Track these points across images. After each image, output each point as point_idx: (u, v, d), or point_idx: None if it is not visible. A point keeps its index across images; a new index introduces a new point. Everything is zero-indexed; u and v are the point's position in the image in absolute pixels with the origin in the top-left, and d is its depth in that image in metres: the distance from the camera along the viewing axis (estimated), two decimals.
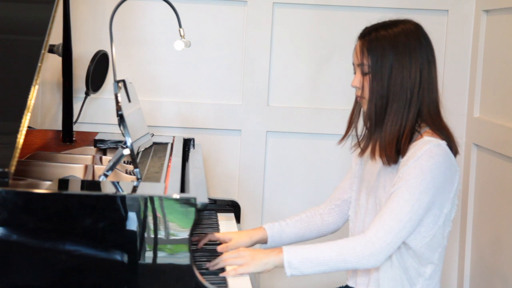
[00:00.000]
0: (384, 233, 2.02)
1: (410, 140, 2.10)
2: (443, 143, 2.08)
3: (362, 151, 2.20)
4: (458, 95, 3.21)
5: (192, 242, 1.95)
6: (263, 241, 2.29)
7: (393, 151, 2.10)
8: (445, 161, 2.07)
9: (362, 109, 2.21)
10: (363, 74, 2.13)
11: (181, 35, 2.45)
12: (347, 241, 2.05)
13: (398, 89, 2.09)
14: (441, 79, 3.20)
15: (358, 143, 2.22)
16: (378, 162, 2.18)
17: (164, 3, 2.39)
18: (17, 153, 1.85)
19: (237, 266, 2.00)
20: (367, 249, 2.02)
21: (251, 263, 2.01)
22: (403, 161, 2.08)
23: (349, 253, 2.02)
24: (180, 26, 2.45)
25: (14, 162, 1.83)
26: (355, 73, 2.18)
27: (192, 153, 2.76)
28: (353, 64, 2.18)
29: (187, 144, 2.83)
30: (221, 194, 3.13)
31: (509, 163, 2.79)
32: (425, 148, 2.05)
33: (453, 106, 3.21)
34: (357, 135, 2.23)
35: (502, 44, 2.92)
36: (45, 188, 1.86)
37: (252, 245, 2.27)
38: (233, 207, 2.63)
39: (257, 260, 2.02)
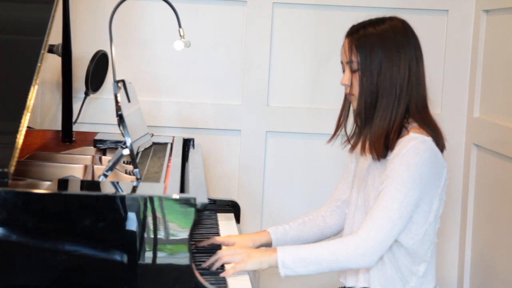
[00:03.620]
0: (376, 232, 2.04)
1: (398, 135, 2.12)
2: (428, 139, 2.10)
3: (352, 147, 2.23)
4: (458, 95, 3.21)
5: (193, 244, 1.95)
6: (267, 245, 2.29)
7: (381, 146, 2.12)
8: (431, 157, 2.08)
9: (351, 107, 2.23)
10: (352, 71, 2.16)
11: (180, 35, 2.45)
12: (340, 241, 2.07)
13: (387, 84, 2.12)
14: (441, 79, 3.20)
15: (348, 140, 2.24)
16: (368, 159, 2.20)
17: (164, 3, 2.39)
18: (16, 153, 1.85)
19: (235, 264, 2.01)
20: (359, 248, 2.03)
21: (247, 260, 2.02)
22: (389, 158, 2.11)
23: (342, 252, 2.03)
24: (180, 26, 2.45)
25: (13, 162, 1.83)
26: (343, 71, 2.20)
27: (191, 153, 2.76)
28: (342, 63, 2.21)
29: (187, 144, 2.82)
30: (220, 194, 3.13)
31: (509, 163, 2.79)
32: (410, 144, 2.07)
33: (453, 106, 3.21)
34: (346, 132, 2.25)
35: (502, 44, 2.92)
36: (44, 188, 1.86)
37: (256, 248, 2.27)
38: (233, 207, 2.63)
39: (253, 258, 2.03)
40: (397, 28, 2.15)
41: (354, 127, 2.23)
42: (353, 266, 2.05)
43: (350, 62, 2.16)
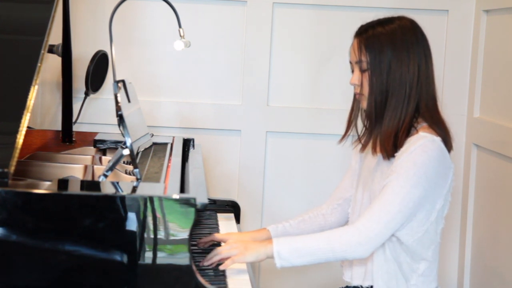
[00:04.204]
0: (372, 223, 2.04)
1: (407, 134, 2.13)
2: (437, 139, 2.11)
3: (363, 147, 2.23)
4: (458, 95, 3.21)
5: (193, 244, 1.95)
6: None
7: (390, 145, 2.12)
8: (438, 156, 2.09)
9: (361, 107, 2.23)
10: (362, 71, 2.16)
11: (181, 35, 2.45)
12: (335, 231, 2.08)
13: (397, 84, 2.12)
14: (441, 79, 3.20)
15: (359, 139, 2.24)
16: (376, 157, 2.20)
17: (164, 3, 2.39)
18: (16, 153, 1.85)
19: (233, 256, 2.02)
20: (354, 237, 2.04)
21: (245, 252, 2.04)
22: (397, 155, 2.11)
23: (336, 242, 2.04)
24: (180, 26, 2.45)
25: (13, 162, 1.83)
26: (352, 71, 2.20)
27: (191, 153, 2.76)
28: (351, 63, 2.22)
29: (187, 144, 2.82)
30: (221, 195, 3.13)
31: (509, 163, 2.79)
32: (419, 143, 2.08)
33: (453, 106, 3.21)
34: (357, 132, 2.26)
35: (502, 44, 2.92)
36: (44, 188, 1.86)
37: None
38: (233, 208, 2.63)
39: (250, 250, 2.04)
40: (405, 27, 2.16)
41: (364, 126, 2.23)
42: (348, 256, 2.06)
43: (359, 62, 2.16)
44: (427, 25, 3.21)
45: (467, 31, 3.19)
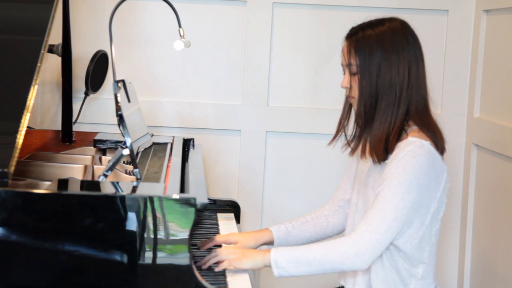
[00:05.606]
0: (369, 234, 2.03)
1: (398, 138, 2.11)
2: (427, 144, 2.08)
3: (353, 151, 2.22)
4: (458, 95, 3.21)
5: (193, 244, 1.95)
6: (269, 244, 2.30)
7: (381, 149, 2.11)
8: (428, 161, 2.07)
9: (352, 109, 2.22)
10: (352, 74, 2.15)
11: (180, 35, 2.45)
12: (332, 242, 2.06)
13: (386, 87, 2.11)
14: (441, 79, 3.20)
15: (348, 143, 2.23)
16: (368, 161, 2.19)
17: (164, 3, 2.39)
18: (16, 153, 1.84)
19: (231, 259, 2.02)
20: (351, 249, 2.02)
21: (243, 258, 2.04)
22: (387, 162, 2.09)
23: (333, 254, 2.03)
24: (180, 26, 2.45)
25: (13, 162, 1.82)
26: (344, 74, 2.19)
27: (191, 153, 2.76)
28: (342, 65, 2.20)
29: (187, 144, 2.82)
30: (220, 195, 3.13)
31: (509, 163, 2.79)
32: (408, 149, 2.06)
33: (453, 106, 3.21)
34: (345, 135, 2.24)
35: (502, 44, 2.92)
36: (44, 188, 1.86)
37: (257, 247, 2.27)
38: (233, 208, 2.63)
39: (248, 257, 2.04)
40: (395, 29, 2.14)
41: (354, 130, 2.22)
42: (345, 267, 2.04)
43: (349, 65, 2.15)
44: (427, 25, 3.23)
45: (467, 31, 3.19)
